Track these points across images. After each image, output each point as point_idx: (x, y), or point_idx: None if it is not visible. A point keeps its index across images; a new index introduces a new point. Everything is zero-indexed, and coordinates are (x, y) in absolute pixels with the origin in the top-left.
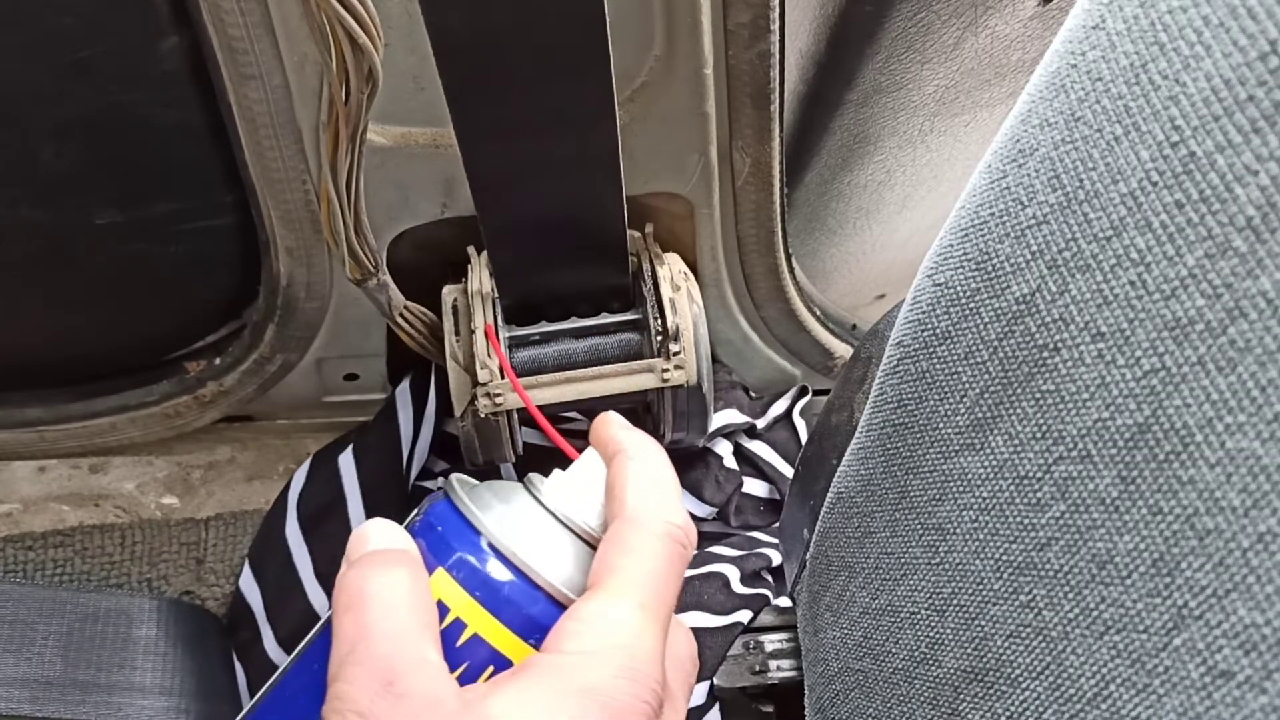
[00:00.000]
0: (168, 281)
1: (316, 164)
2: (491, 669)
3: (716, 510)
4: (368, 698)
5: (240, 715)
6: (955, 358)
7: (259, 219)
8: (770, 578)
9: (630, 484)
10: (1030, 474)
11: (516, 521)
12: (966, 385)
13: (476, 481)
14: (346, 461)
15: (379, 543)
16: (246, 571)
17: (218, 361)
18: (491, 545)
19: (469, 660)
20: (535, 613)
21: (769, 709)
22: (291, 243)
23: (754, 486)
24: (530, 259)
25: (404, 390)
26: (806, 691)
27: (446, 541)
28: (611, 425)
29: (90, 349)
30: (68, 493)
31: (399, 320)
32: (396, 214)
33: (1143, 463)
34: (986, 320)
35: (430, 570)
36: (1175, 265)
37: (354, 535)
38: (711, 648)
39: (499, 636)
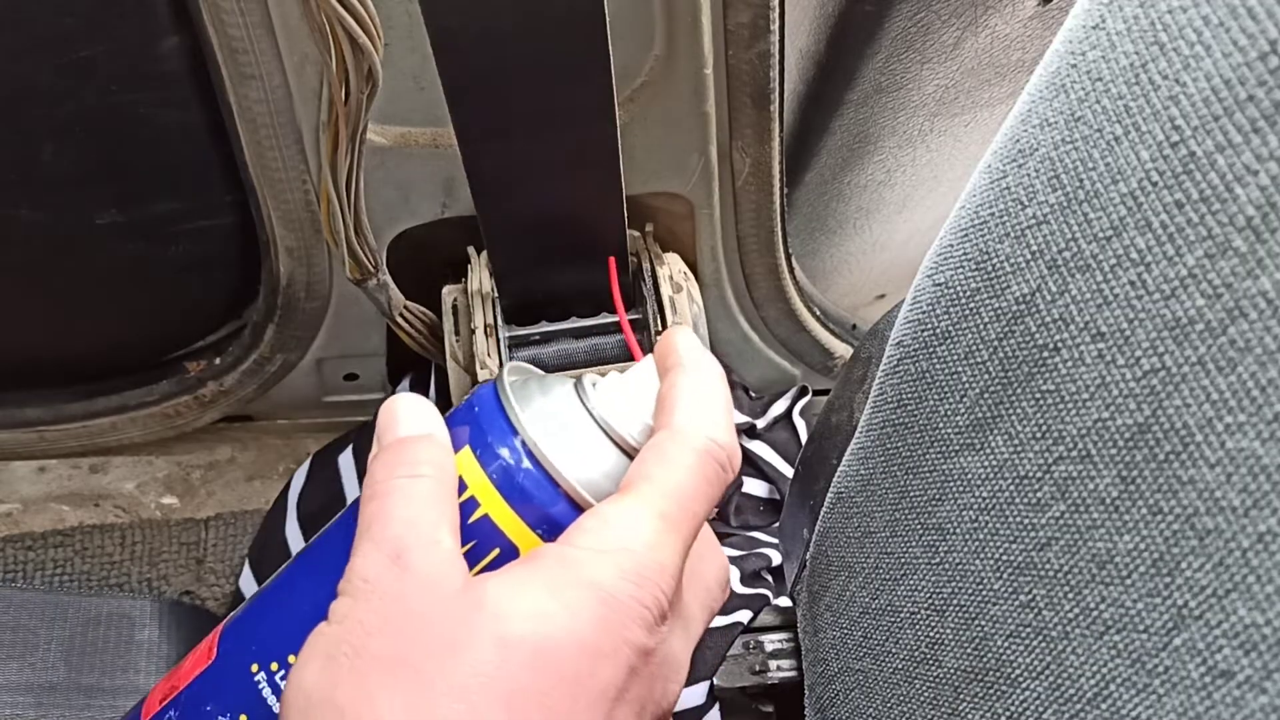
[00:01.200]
0: (168, 281)
1: (316, 164)
2: (498, 551)
3: (716, 510)
4: (375, 569)
5: (254, 593)
6: (955, 358)
7: (259, 219)
8: (770, 578)
9: (681, 397)
10: (1030, 474)
11: (554, 419)
12: (966, 385)
13: (534, 370)
14: (346, 461)
15: (407, 426)
16: (246, 571)
17: (218, 361)
18: (521, 439)
19: (476, 539)
20: (553, 511)
21: (769, 709)
22: (291, 243)
23: (754, 486)
24: (530, 259)
25: (404, 390)
26: (806, 691)
27: (480, 425)
28: (679, 338)
29: (90, 349)
30: (68, 493)
31: (399, 320)
32: (396, 214)
33: (1143, 463)
34: (986, 320)
35: (457, 448)
36: (1175, 265)
37: (384, 411)
38: (711, 648)
39: (509, 522)
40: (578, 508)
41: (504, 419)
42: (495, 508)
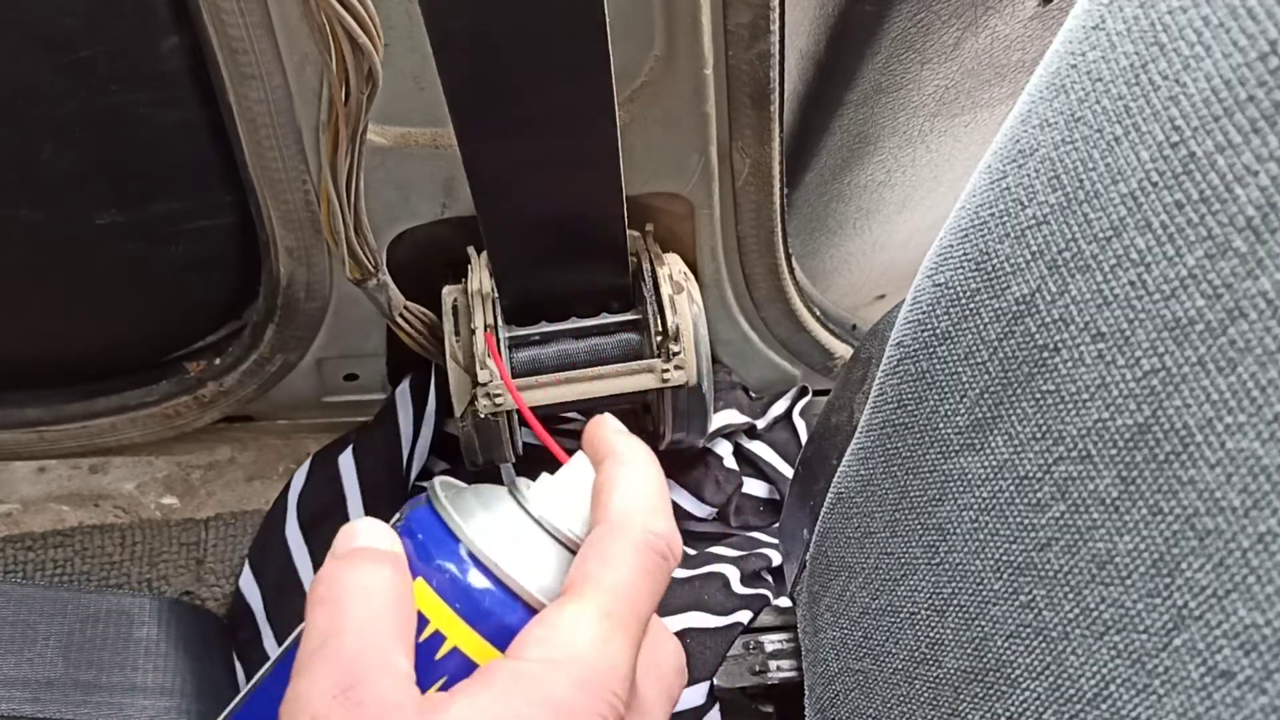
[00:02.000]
0: (168, 281)
1: (316, 164)
2: (451, 670)
3: (716, 510)
4: (324, 701)
5: (224, 713)
6: (955, 358)
7: (259, 219)
8: (770, 578)
9: (616, 489)
10: (1030, 474)
11: (498, 528)
12: (966, 385)
13: (461, 484)
14: (346, 462)
15: (367, 540)
16: (246, 571)
17: (218, 362)
18: (471, 554)
19: (448, 674)
20: (513, 622)
21: (769, 709)
22: (291, 243)
23: (754, 486)
24: (530, 259)
25: (404, 390)
26: (806, 691)
27: (426, 549)
28: (605, 428)
29: (90, 349)
30: (68, 493)
31: (399, 320)
32: (396, 214)
33: (1143, 463)
34: (986, 320)
35: (412, 578)
36: (1175, 265)
37: (343, 531)
38: (711, 648)
39: (477, 648)
40: (532, 611)
41: (453, 541)
42: (463, 637)
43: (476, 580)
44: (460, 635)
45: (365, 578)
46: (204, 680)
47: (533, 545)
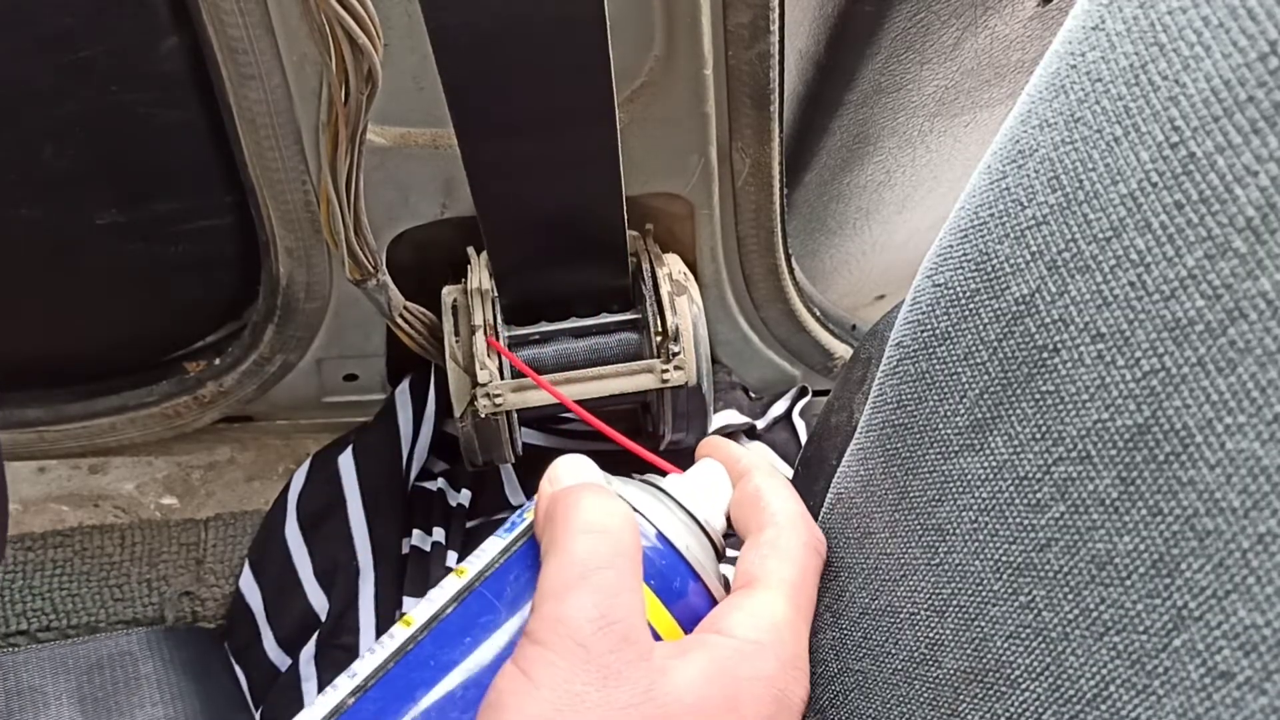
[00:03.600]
0: (168, 281)
1: (316, 164)
2: None
3: None
4: (590, 628)
5: (420, 622)
6: (955, 358)
7: (259, 219)
8: None
9: (775, 496)
10: (1030, 475)
11: (671, 519)
12: (966, 386)
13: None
14: (346, 462)
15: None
16: (246, 572)
17: (217, 362)
18: (661, 535)
19: None
20: (698, 606)
21: None
22: (291, 243)
23: None
24: (530, 259)
25: (404, 391)
26: None
27: None
28: (730, 446)
29: (90, 349)
30: (67, 493)
31: (399, 320)
32: (396, 214)
33: (1142, 464)
34: (986, 321)
35: None
36: (1175, 266)
37: (563, 463)
38: None
39: (667, 626)
40: (710, 597)
41: (646, 523)
42: (655, 614)
43: (671, 562)
44: (653, 611)
45: (622, 516)
46: (219, 699)
47: (696, 538)
